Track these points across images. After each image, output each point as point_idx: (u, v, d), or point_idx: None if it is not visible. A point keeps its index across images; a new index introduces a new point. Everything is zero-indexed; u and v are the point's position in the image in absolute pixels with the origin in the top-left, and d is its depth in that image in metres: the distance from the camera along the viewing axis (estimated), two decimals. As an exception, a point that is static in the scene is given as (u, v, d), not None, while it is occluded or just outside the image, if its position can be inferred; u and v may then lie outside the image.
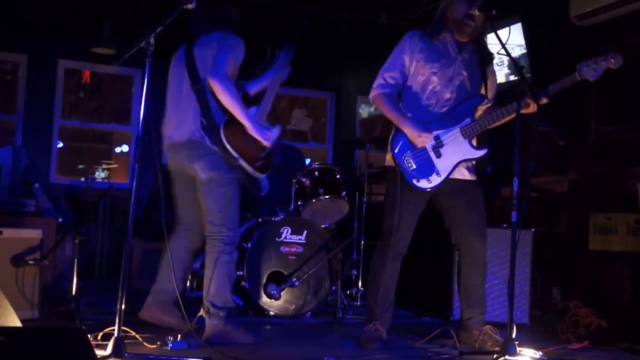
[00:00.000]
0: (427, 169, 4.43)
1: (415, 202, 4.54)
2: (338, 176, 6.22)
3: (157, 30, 3.74)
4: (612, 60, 4.19)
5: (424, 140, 4.40)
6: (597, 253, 5.89)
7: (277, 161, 4.96)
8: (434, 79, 4.51)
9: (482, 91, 4.63)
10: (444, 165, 4.45)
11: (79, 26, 8.33)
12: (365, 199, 6.81)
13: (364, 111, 10.71)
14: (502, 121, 4.42)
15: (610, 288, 5.74)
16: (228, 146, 4.42)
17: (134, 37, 3.76)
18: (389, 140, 4.54)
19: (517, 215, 4.02)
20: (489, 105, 4.63)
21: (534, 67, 6.94)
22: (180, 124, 4.55)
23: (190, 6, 3.90)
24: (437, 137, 4.45)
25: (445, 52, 4.54)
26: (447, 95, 4.52)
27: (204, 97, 4.50)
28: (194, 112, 4.51)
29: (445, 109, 4.51)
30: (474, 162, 4.60)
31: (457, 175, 4.51)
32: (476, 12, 4.37)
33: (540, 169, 6.64)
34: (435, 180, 4.44)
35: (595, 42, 6.55)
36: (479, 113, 4.57)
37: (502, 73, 7.26)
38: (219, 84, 4.37)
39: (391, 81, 4.59)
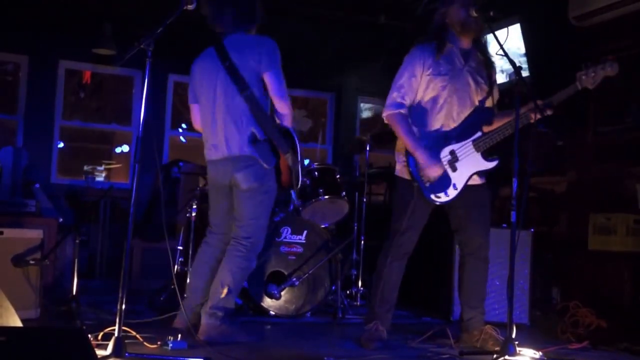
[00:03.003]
0: (445, 183, 4.49)
1: (424, 207, 4.58)
2: (338, 176, 6.23)
3: (158, 31, 3.76)
4: (609, 68, 4.23)
5: (435, 172, 4.41)
6: (597, 253, 5.89)
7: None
8: (444, 92, 4.53)
9: (489, 100, 4.68)
10: (460, 178, 4.51)
11: (79, 27, 8.34)
12: (365, 199, 6.81)
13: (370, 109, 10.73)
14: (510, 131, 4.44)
15: (610, 288, 5.75)
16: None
17: (135, 37, 3.77)
18: (403, 154, 4.54)
19: (516, 215, 4.03)
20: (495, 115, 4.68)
21: (532, 68, 6.95)
22: (230, 137, 4.49)
23: (190, 7, 3.91)
24: (452, 152, 4.52)
25: (451, 63, 4.56)
26: (457, 108, 4.54)
27: (256, 104, 4.48)
28: (241, 121, 4.48)
29: (455, 122, 4.55)
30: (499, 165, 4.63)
31: (469, 182, 4.56)
32: (474, 14, 4.38)
33: (539, 170, 6.64)
34: (452, 193, 4.50)
35: (594, 43, 6.55)
36: (489, 126, 4.61)
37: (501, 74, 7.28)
38: (288, 107, 4.60)
39: (407, 100, 4.55)
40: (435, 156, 4.46)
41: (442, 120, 4.55)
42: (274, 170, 4.59)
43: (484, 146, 4.50)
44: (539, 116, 4.29)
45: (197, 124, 4.81)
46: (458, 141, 4.52)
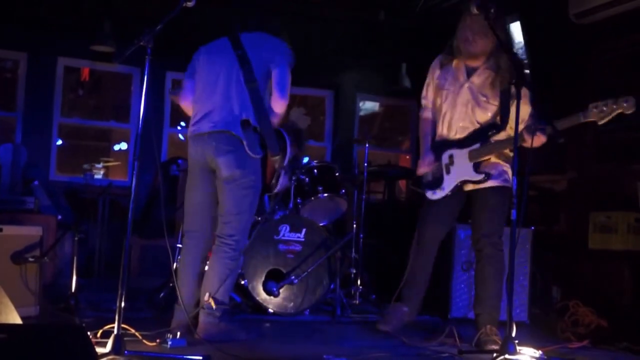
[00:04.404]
0: (438, 182, 4.83)
1: (437, 202, 4.86)
2: (337, 174, 6.22)
3: (157, 28, 3.75)
4: (625, 104, 4.10)
5: (419, 170, 4.93)
6: (597, 252, 5.89)
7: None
8: (445, 104, 4.83)
9: (498, 116, 4.68)
10: (449, 181, 4.79)
11: (78, 24, 8.31)
12: (364, 197, 6.80)
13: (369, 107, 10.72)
14: (510, 146, 4.56)
15: (610, 287, 5.74)
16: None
17: (134, 35, 3.76)
18: None
19: (516, 214, 4.03)
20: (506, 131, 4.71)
21: (532, 65, 6.94)
22: (220, 114, 4.45)
23: (190, 4, 3.91)
24: (450, 156, 4.78)
25: (454, 78, 4.80)
26: (456, 120, 4.77)
27: (259, 97, 4.49)
28: (239, 105, 4.46)
29: (459, 133, 4.75)
30: (504, 169, 4.75)
31: (479, 185, 4.74)
32: (474, 11, 4.37)
33: (539, 168, 6.63)
34: (439, 193, 4.83)
35: (594, 40, 6.54)
36: (499, 137, 4.67)
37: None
38: (283, 106, 4.60)
39: (425, 103, 5.05)
40: (435, 157, 4.84)
41: (446, 128, 4.83)
42: (259, 164, 4.55)
43: (477, 157, 4.67)
44: (535, 137, 4.31)
45: (188, 99, 4.76)
46: (459, 147, 4.75)
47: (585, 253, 6.02)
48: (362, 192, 6.80)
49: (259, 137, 4.50)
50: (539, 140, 4.32)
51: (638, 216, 5.73)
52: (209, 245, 4.67)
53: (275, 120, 4.62)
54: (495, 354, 4.00)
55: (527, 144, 4.27)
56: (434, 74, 4.96)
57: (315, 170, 6.15)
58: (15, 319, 3.53)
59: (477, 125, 4.71)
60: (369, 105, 10.64)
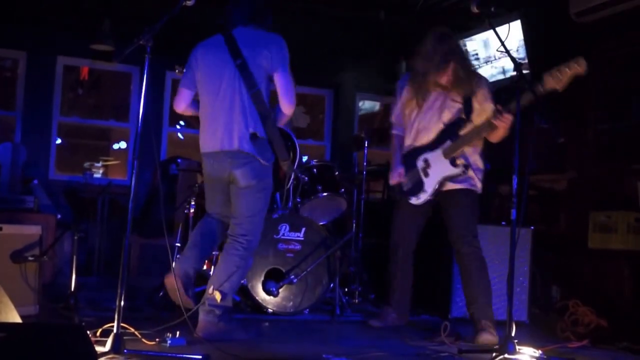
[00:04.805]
0: (418, 187, 5.04)
1: (410, 208, 5.12)
2: (336, 173, 6.21)
3: (156, 27, 3.74)
4: (576, 66, 4.14)
5: (392, 181, 5.17)
6: (597, 251, 5.89)
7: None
8: (413, 114, 5.10)
9: (462, 114, 4.93)
10: (430, 183, 4.99)
11: (78, 23, 8.31)
12: (363, 196, 6.79)
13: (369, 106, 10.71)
14: (479, 136, 4.84)
15: (610, 287, 5.74)
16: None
17: (133, 34, 3.75)
18: None
19: (516, 213, 4.03)
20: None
21: (533, 64, 6.93)
22: (230, 131, 4.43)
23: (189, 3, 3.90)
24: (425, 160, 5.02)
25: (423, 87, 5.01)
26: (426, 126, 5.02)
27: (262, 102, 4.46)
28: (247, 119, 4.44)
29: (426, 136, 5.01)
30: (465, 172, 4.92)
31: (447, 187, 4.98)
32: (475, 9, 4.37)
33: (539, 167, 6.63)
34: (423, 196, 5.04)
35: (595, 39, 6.53)
36: (466, 130, 4.88)
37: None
38: (292, 109, 4.62)
39: (395, 121, 5.33)
40: (407, 167, 5.08)
41: (414, 135, 5.09)
42: (271, 167, 4.57)
43: (451, 152, 4.87)
44: (501, 121, 4.51)
45: (181, 108, 4.77)
46: (431, 150, 4.98)
47: (585, 253, 6.02)
48: (362, 191, 6.80)
49: (269, 145, 4.51)
50: (507, 119, 4.47)
51: (638, 216, 5.73)
52: (224, 228, 4.72)
53: (283, 120, 4.68)
54: (494, 354, 4.00)
55: (500, 127, 4.56)
56: (401, 91, 5.20)
57: (315, 170, 6.13)
58: (15, 317, 3.53)
59: (443, 126, 4.93)
60: (368, 105, 10.63)
